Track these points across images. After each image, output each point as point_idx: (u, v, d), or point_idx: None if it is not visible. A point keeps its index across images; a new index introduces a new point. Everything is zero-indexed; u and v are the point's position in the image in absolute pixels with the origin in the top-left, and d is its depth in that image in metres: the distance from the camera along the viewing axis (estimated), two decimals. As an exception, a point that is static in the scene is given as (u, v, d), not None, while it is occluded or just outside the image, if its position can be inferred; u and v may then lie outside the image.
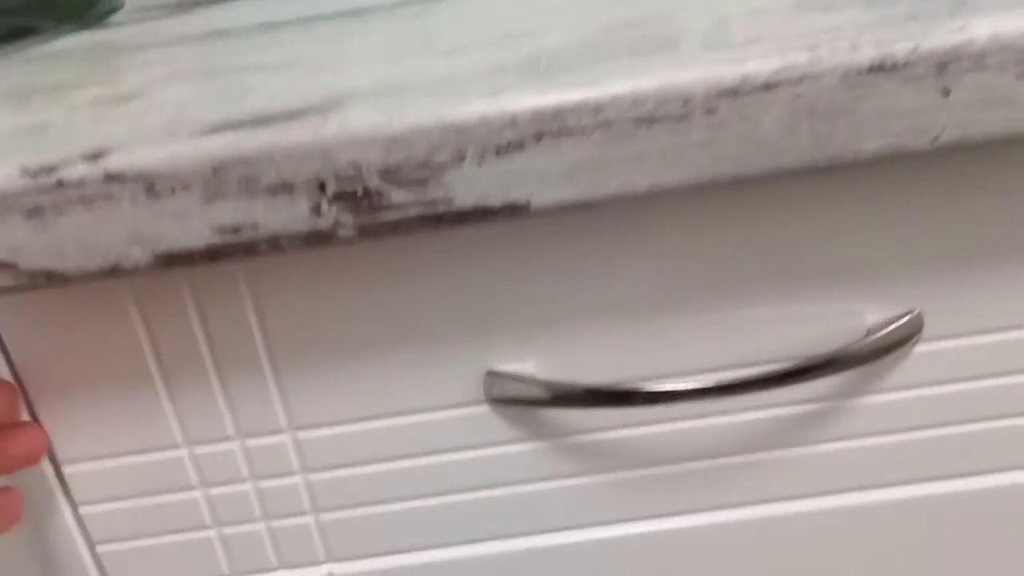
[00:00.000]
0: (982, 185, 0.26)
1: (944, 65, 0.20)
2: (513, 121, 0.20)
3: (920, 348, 0.28)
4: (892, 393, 0.29)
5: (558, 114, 0.20)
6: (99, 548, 0.30)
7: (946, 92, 0.20)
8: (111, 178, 0.20)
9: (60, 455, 0.28)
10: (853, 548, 0.32)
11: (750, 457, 0.30)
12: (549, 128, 0.20)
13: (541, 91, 0.20)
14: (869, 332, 0.27)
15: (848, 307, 0.27)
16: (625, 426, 0.29)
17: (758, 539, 0.31)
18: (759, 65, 0.20)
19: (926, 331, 0.28)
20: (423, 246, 0.26)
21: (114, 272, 0.21)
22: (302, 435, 0.28)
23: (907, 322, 0.27)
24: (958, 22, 0.20)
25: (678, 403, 0.28)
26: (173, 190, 0.20)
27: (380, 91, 0.22)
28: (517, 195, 0.21)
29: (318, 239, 0.21)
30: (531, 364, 0.28)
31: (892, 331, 0.27)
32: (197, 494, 0.29)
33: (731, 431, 0.29)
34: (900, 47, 0.20)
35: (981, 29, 0.20)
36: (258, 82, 0.24)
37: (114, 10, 0.45)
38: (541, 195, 0.21)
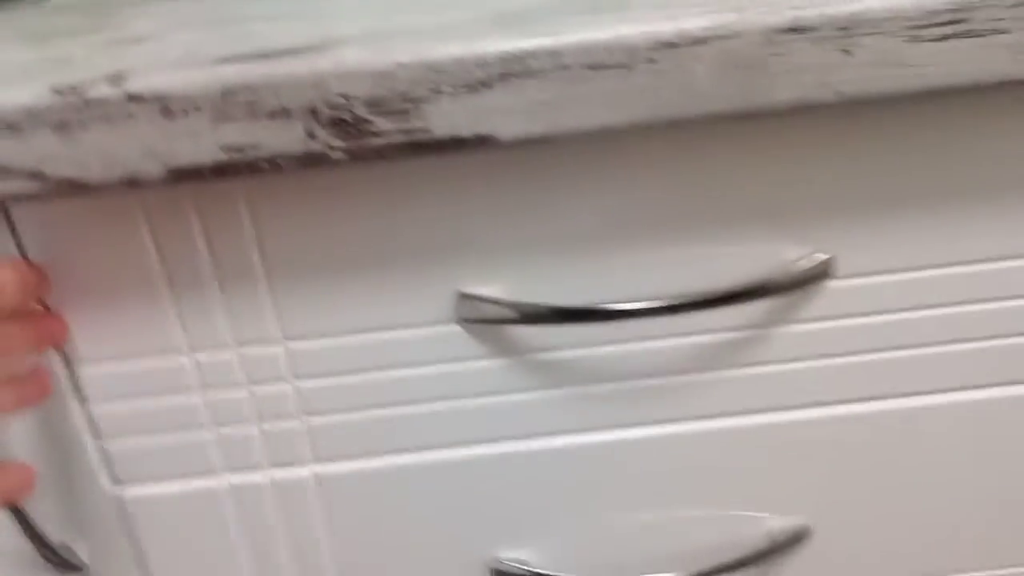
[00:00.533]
0: (884, 137, 0.29)
1: (846, 29, 0.23)
2: (483, 62, 0.23)
3: (833, 284, 0.32)
4: (809, 324, 0.33)
5: (521, 57, 0.23)
6: (105, 443, 0.33)
7: (847, 52, 0.24)
8: (131, 98, 0.22)
9: (72, 354, 0.31)
10: (774, 460, 0.36)
11: (690, 377, 0.34)
12: (513, 69, 0.23)
13: (507, 37, 0.23)
14: (789, 266, 0.31)
15: (772, 245, 0.31)
16: (582, 345, 0.33)
17: (696, 449, 0.35)
18: (694, 22, 0.23)
19: (839, 269, 0.32)
20: (403, 176, 0.28)
21: (131, 184, 0.23)
22: (292, 345, 0.31)
23: (821, 261, 0.31)
24: (861, -8, 0.24)
25: (629, 320, 0.31)
26: (186, 111, 0.22)
27: (369, 36, 0.24)
28: (485, 128, 0.24)
29: (311, 160, 0.23)
30: (498, 287, 0.31)
31: (807, 268, 0.31)
32: (196, 396, 0.32)
33: (675, 352, 0.33)
34: (810, 12, 0.23)
35: (876, 1, 0.23)
36: (260, 28, 0.26)
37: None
38: (506, 129, 0.24)
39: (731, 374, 0.34)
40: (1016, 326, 0.33)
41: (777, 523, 0.37)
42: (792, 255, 0.31)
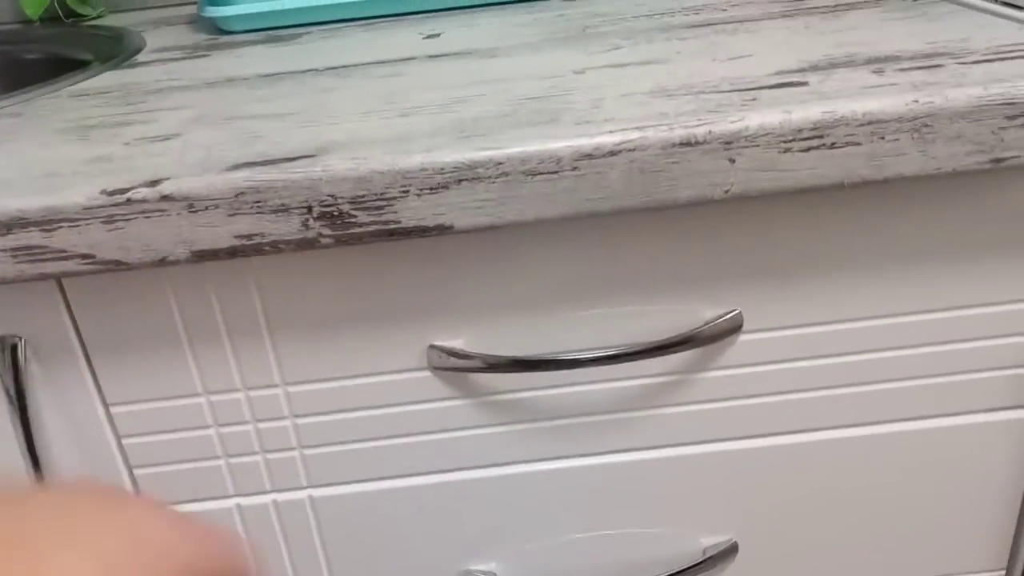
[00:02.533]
0: (782, 223, 0.33)
1: (730, 143, 0.28)
2: (441, 169, 0.27)
3: (743, 337, 0.36)
4: (724, 370, 0.37)
5: (471, 167, 0.27)
6: (135, 471, 0.36)
7: (733, 160, 0.28)
8: (164, 199, 0.26)
9: (108, 398, 0.35)
10: (702, 485, 0.39)
11: (629, 415, 0.37)
12: (465, 175, 0.27)
13: (461, 150, 0.27)
14: (705, 324, 0.35)
15: (692, 305, 0.35)
16: (537, 388, 0.36)
17: (636, 476, 0.39)
18: (607, 139, 0.28)
19: (746, 325, 0.36)
20: (383, 252, 0.33)
21: (162, 263, 0.27)
22: (291, 389, 0.35)
23: (730, 318, 0.35)
24: (739, 114, 0.28)
25: (577, 368, 0.35)
26: (207, 208, 0.27)
27: (352, 143, 0.29)
28: (444, 220, 0.28)
29: (305, 245, 0.28)
30: (463, 340, 0.35)
31: (718, 324, 0.35)
32: (211, 431, 0.35)
33: (615, 394, 0.37)
34: (700, 130, 0.28)
35: (753, 120, 0.28)
36: (264, 129, 0.31)
37: (139, 49, 0.51)
38: (460, 220, 0.28)
39: (662, 412, 0.37)
40: (895, 372, 0.37)
41: (709, 540, 0.41)
42: (709, 314, 0.35)
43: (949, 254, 0.34)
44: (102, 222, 0.27)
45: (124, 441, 0.35)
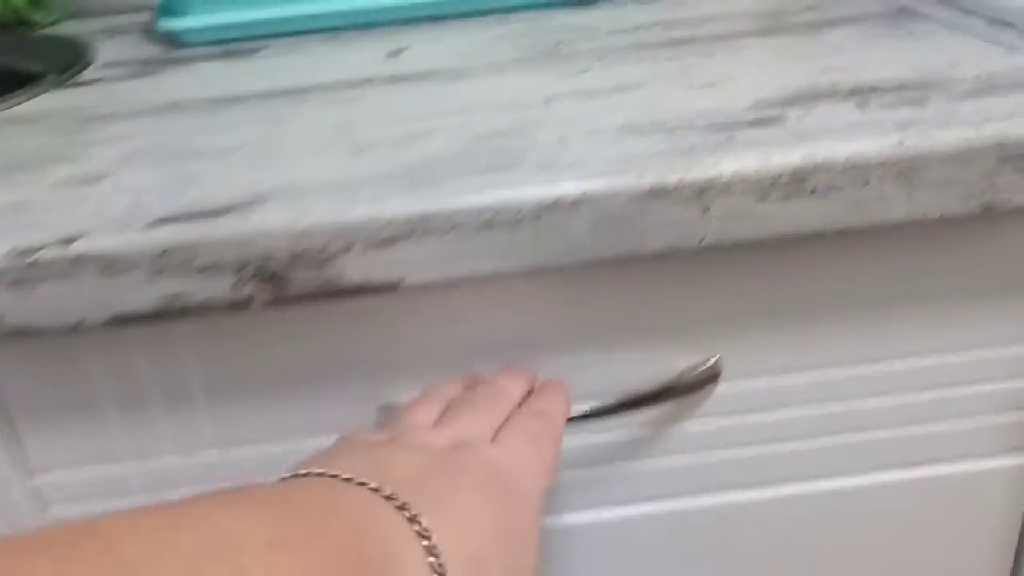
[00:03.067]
0: (754, 270, 0.31)
1: (702, 191, 0.25)
2: (389, 223, 0.24)
3: (723, 386, 0.33)
4: (703, 419, 0.34)
5: (422, 219, 0.24)
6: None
7: (706, 209, 0.26)
8: (77, 260, 0.23)
9: (34, 464, 0.31)
10: (676, 545, 0.36)
11: (596, 471, 0.34)
12: (415, 229, 0.24)
13: (411, 201, 0.25)
14: (681, 374, 0.32)
15: (663, 355, 0.32)
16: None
17: (602, 538, 0.36)
18: (571, 187, 0.25)
19: (725, 373, 0.32)
20: (328, 309, 0.29)
21: (78, 328, 0.24)
22: (231, 452, 0.32)
23: (709, 367, 0.32)
24: (713, 159, 0.26)
25: None
26: (127, 268, 0.24)
27: (295, 189, 0.26)
28: (393, 275, 0.25)
29: (239, 306, 0.25)
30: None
31: (697, 374, 0.32)
32: (140, 498, 0.32)
33: (583, 451, 0.33)
34: (670, 178, 0.25)
35: (727, 167, 0.25)
36: (202, 170, 0.28)
37: (87, 65, 0.47)
38: (411, 276, 0.25)
39: (637, 466, 0.34)
40: (883, 420, 0.34)
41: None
42: (685, 363, 0.32)
43: (937, 298, 0.32)
44: (8, 286, 0.24)
45: (52, 508, 0.32)
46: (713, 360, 0.32)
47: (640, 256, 0.26)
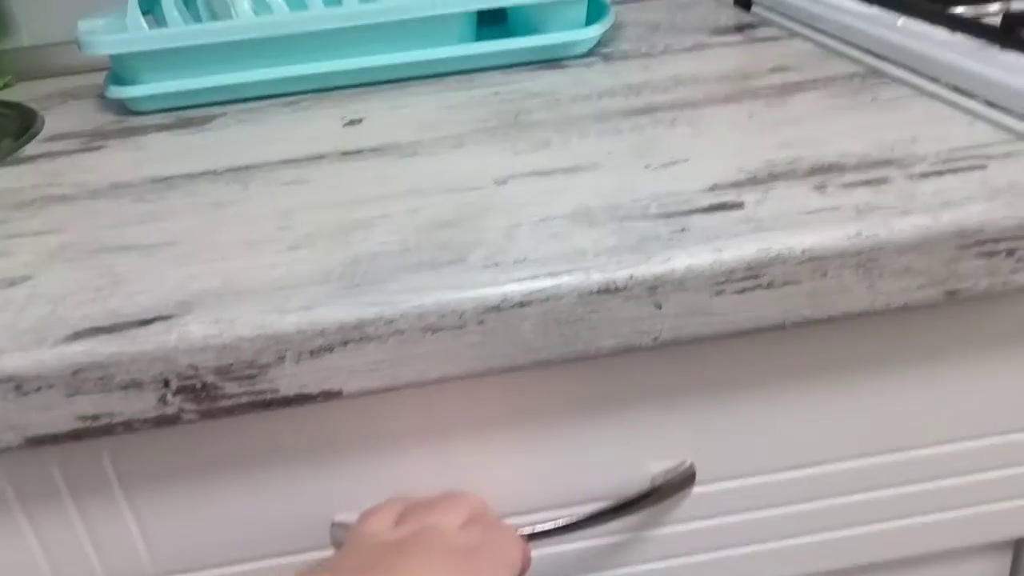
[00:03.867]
0: (718, 365, 0.29)
1: (654, 288, 0.25)
2: (322, 332, 0.23)
3: (697, 489, 0.31)
4: (678, 525, 0.32)
5: (358, 326, 0.24)
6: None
7: (659, 306, 0.25)
8: (-14, 380, 0.22)
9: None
10: None
11: None
12: (351, 337, 0.24)
13: (347, 307, 0.24)
14: (654, 479, 0.31)
15: (633, 458, 0.30)
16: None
17: None
18: (516, 288, 0.24)
19: (699, 476, 0.31)
20: (268, 419, 0.27)
21: (-10, 450, 0.23)
22: None
23: (682, 471, 0.31)
24: (665, 254, 0.25)
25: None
26: (39, 388, 0.23)
27: (224, 292, 0.25)
28: (331, 384, 0.24)
29: (165, 422, 0.24)
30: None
31: (669, 479, 0.30)
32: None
33: (549, 560, 0.32)
34: (620, 275, 0.24)
35: (680, 262, 0.25)
36: (128, 270, 0.27)
37: (33, 136, 0.47)
38: (350, 384, 0.24)
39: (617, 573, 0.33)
40: (864, 516, 0.33)
41: None
42: (657, 467, 0.31)
43: (911, 388, 0.31)
44: (-91, 410, 0.23)
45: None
46: (687, 464, 0.31)
47: (593, 355, 0.25)
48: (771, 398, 0.31)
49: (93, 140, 0.44)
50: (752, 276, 0.25)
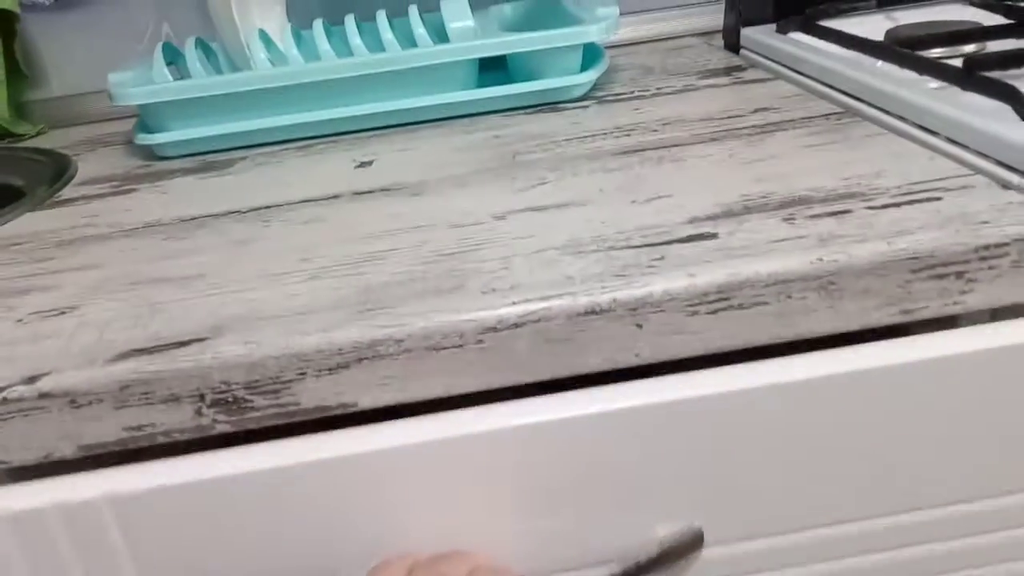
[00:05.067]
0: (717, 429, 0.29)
1: (635, 309, 0.28)
2: (339, 351, 0.27)
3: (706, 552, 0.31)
4: None
5: (371, 345, 0.27)
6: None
7: (640, 326, 0.28)
8: (43, 396, 0.26)
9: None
10: None
11: None
12: (365, 355, 0.27)
13: (361, 329, 0.27)
14: (661, 543, 0.30)
15: (637, 520, 0.30)
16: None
17: None
18: (511, 311, 0.28)
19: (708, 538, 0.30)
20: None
21: (47, 458, 0.27)
22: None
23: (689, 536, 0.30)
24: (644, 279, 0.29)
25: None
26: (91, 403, 0.26)
27: (251, 318, 0.29)
28: (346, 398, 0.28)
29: (200, 432, 0.27)
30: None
31: (676, 545, 0.30)
32: None
33: None
34: (603, 298, 0.28)
35: (657, 286, 0.28)
36: (165, 300, 0.31)
37: (69, 180, 0.51)
38: (364, 398, 0.28)
39: None
40: None
41: None
42: (663, 530, 0.31)
43: (926, 443, 0.31)
44: (-22, 422, 0.26)
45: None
46: (695, 527, 0.31)
47: (581, 372, 0.28)
48: (781, 454, 0.30)
49: (124, 184, 0.48)
50: (723, 298, 0.28)
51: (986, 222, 0.30)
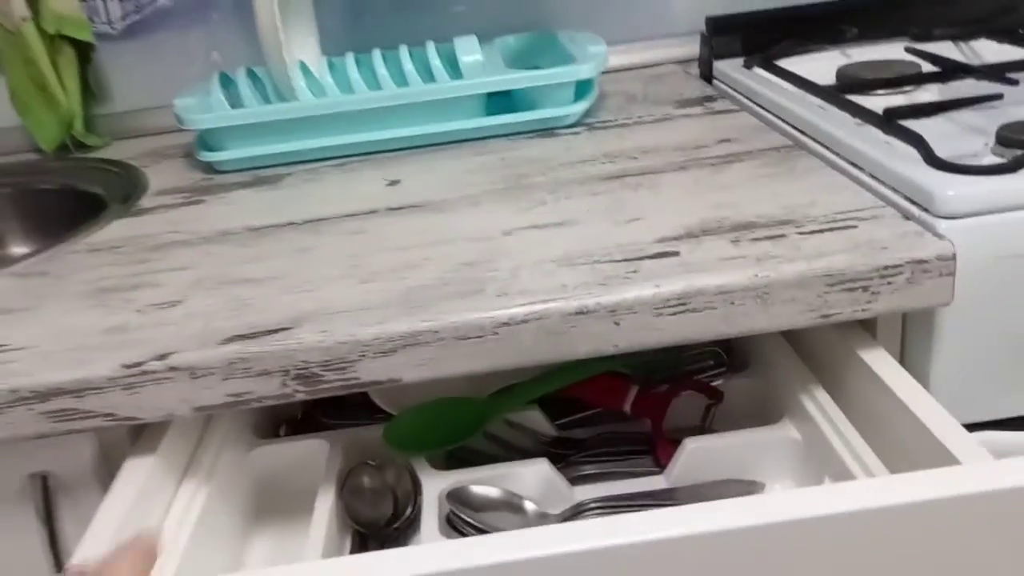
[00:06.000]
0: None
1: (613, 311, 0.35)
2: (391, 339, 0.34)
3: None
4: None
5: (415, 335, 0.34)
6: None
7: (617, 323, 0.36)
8: (172, 368, 0.33)
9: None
10: None
11: None
12: (410, 342, 0.34)
13: (408, 323, 0.35)
14: None
15: None
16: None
17: None
18: (519, 310, 0.35)
19: None
20: None
21: (170, 416, 0.34)
22: None
23: None
24: (621, 288, 0.36)
25: None
26: (205, 375, 0.33)
27: (321, 313, 0.36)
28: (394, 374, 0.35)
29: (283, 399, 0.34)
30: None
31: None
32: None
33: None
34: (590, 301, 0.35)
35: (630, 294, 0.35)
36: (251, 296, 0.38)
37: (144, 190, 0.58)
38: (408, 375, 0.35)
39: None
40: None
41: None
42: None
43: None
44: (122, 388, 0.33)
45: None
46: None
47: (571, 357, 0.35)
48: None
49: (193, 195, 0.55)
50: (681, 304, 0.36)
51: (886, 248, 0.37)
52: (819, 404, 0.40)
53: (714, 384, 0.45)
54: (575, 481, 0.41)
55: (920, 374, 0.41)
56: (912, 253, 0.37)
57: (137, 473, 0.34)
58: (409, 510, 0.39)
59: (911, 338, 0.43)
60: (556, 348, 0.35)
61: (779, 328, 0.37)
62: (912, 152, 0.45)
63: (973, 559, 0.29)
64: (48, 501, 0.37)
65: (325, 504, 0.38)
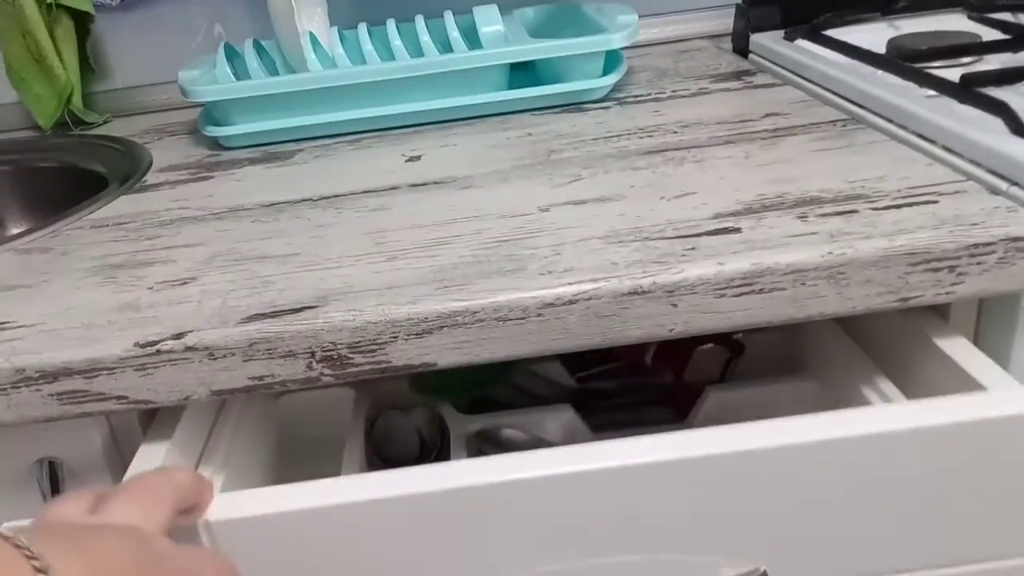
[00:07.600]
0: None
1: (671, 291, 0.33)
2: (425, 319, 0.32)
3: None
4: None
5: (451, 315, 0.32)
6: None
7: (674, 305, 0.34)
8: (188, 349, 0.31)
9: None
10: None
11: None
12: (445, 323, 0.32)
13: (442, 302, 0.33)
14: None
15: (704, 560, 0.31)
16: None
17: None
18: (566, 290, 0.33)
19: None
20: None
21: (187, 400, 0.32)
22: None
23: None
24: (680, 266, 0.34)
25: None
26: (224, 356, 0.32)
27: (348, 291, 0.34)
28: (428, 359, 0.33)
29: (309, 383, 0.33)
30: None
31: None
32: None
33: None
34: (645, 281, 0.33)
35: (691, 272, 0.33)
36: (271, 274, 0.36)
37: (148, 166, 0.56)
38: (443, 359, 0.33)
39: None
40: None
41: None
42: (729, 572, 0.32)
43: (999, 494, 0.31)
44: (135, 369, 0.31)
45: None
46: (760, 572, 0.31)
47: (622, 342, 0.33)
48: (845, 505, 0.31)
49: (200, 171, 0.53)
50: (747, 284, 0.34)
51: (976, 224, 0.35)
52: (882, 394, 0.38)
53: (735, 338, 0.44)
54: (597, 429, 0.40)
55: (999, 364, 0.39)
56: (1007, 230, 0.34)
57: (152, 460, 0.32)
58: (436, 452, 0.37)
59: (987, 325, 0.41)
60: (605, 332, 0.33)
61: (852, 312, 0.35)
62: (993, 123, 0.43)
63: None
64: (56, 488, 0.35)
65: (355, 446, 0.37)
